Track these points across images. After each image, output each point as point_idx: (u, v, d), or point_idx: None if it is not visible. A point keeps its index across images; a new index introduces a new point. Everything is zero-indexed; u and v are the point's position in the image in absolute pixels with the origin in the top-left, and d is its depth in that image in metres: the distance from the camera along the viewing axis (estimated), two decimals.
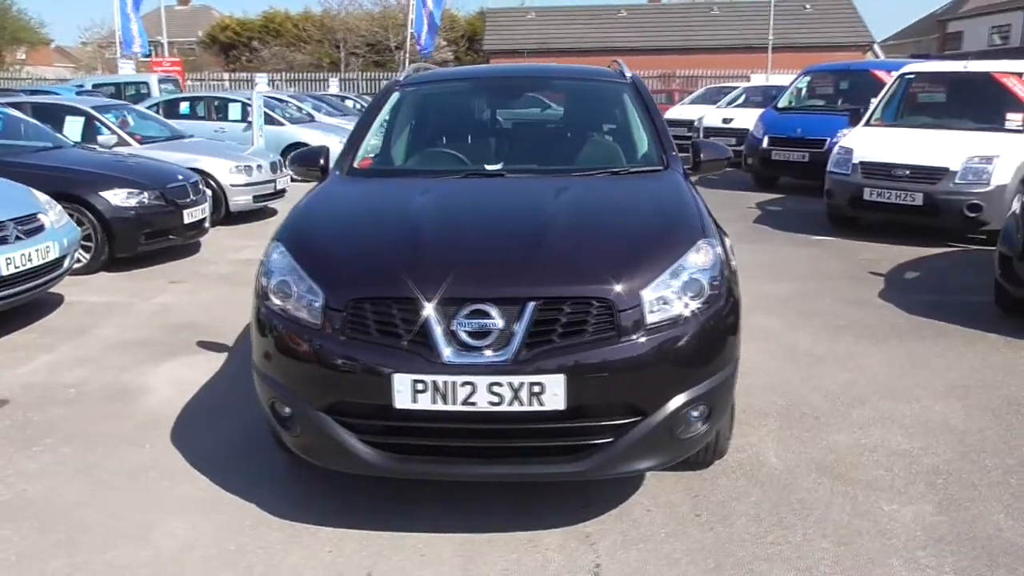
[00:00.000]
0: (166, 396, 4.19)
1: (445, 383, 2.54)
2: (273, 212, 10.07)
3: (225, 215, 9.12)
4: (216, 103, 13.94)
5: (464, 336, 2.56)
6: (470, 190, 3.47)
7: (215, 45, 42.20)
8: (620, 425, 2.63)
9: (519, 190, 3.49)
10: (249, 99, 13.42)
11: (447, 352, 2.55)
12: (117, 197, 6.80)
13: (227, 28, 42.17)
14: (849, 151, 8.59)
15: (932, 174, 7.96)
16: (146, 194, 6.99)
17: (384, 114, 4.08)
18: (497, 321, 2.55)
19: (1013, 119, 8.56)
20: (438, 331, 2.57)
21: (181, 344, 5.02)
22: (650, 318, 2.63)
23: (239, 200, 9.22)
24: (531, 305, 2.56)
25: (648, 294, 2.64)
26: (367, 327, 2.64)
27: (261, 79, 18.15)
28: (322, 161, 3.91)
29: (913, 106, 9.54)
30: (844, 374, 4.42)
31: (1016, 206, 5.47)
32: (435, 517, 2.95)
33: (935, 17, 55.03)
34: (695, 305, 2.70)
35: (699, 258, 2.79)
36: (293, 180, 8.94)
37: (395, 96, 4.20)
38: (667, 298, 2.67)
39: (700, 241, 2.85)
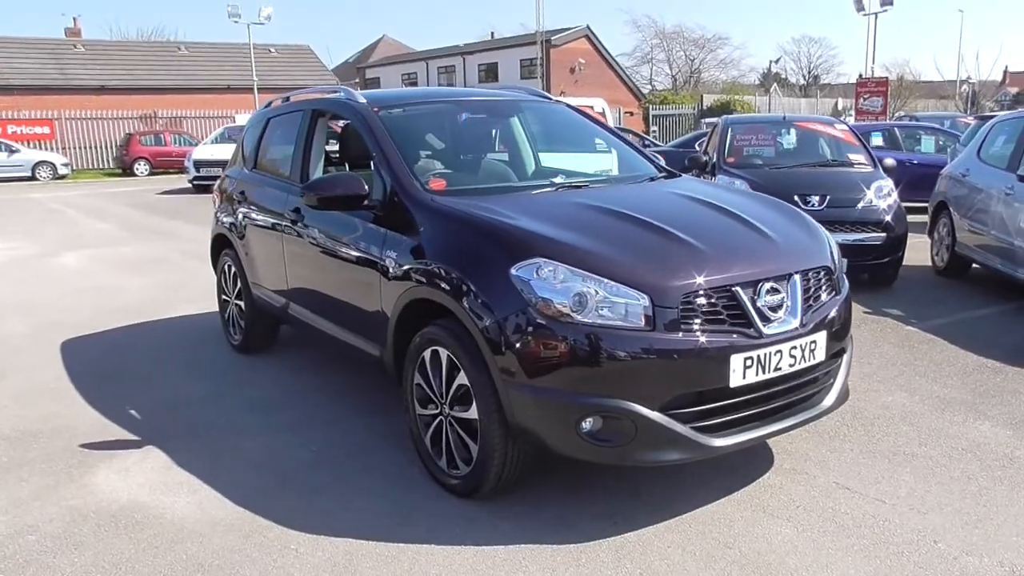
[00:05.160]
0: (189, 506, 3.27)
1: (765, 355, 2.90)
2: None
3: None
4: None
5: (767, 311, 2.95)
6: (614, 196, 3.62)
7: None
8: (836, 366, 3.30)
9: (652, 194, 3.80)
10: None
11: (764, 327, 2.91)
12: None
13: None
14: None
15: None
16: None
17: (390, 137, 3.83)
18: (785, 295, 3.01)
19: (600, 143, 10.99)
20: (752, 310, 2.91)
21: (55, 456, 3.77)
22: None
23: None
24: (797, 277, 3.08)
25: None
26: (697, 318, 2.82)
27: None
28: (367, 188, 3.58)
29: None
30: None
31: None
32: (638, 510, 3.17)
33: (351, 64, 61.91)
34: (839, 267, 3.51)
35: (829, 233, 3.61)
36: None
37: (384, 118, 3.96)
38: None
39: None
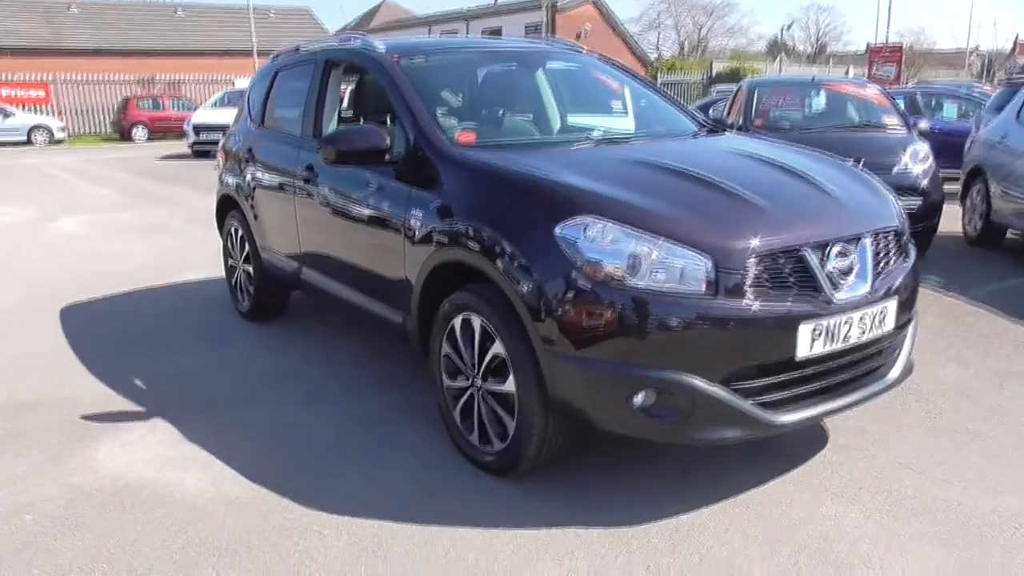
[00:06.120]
0: (201, 483, 3.02)
1: (834, 324, 2.64)
2: None
3: None
4: None
5: (836, 276, 2.68)
6: (661, 151, 3.35)
7: None
8: (902, 336, 3.03)
9: (703, 149, 3.51)
10: None
11: (834, 294, 2.64)
12: None
13: None
14: None
15: None
16: None
17: (413, 87, 3.53)
18: (854, 258, 2.73)
19: (616, 104, 10.66)
20: (821, 275, 2.63)
21: (54, 428, 3.52)
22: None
23: None
24: (867, 240, 2.80)
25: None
26: (762, 283, 2.55)
27: None
28: (389, 142, 3.30)
29: None
30: None
31: None
32: (705, 488, 2.94)
33: (352, 29, 61.02)
34: None
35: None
36: None
37: (406, 68, 3.66)
38: None
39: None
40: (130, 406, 3.76)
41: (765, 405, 2.60)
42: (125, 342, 4.73)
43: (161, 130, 25.47)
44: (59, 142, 24.66)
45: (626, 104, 4.36)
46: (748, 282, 2.53)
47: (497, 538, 2.58)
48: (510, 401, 2.82)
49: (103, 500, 2.90)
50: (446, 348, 3.10)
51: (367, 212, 3.52)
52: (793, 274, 2.61)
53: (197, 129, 19.02)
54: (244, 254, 5.02)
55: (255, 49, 29.31)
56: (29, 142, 24.09)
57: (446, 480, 2.97)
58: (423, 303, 3.20)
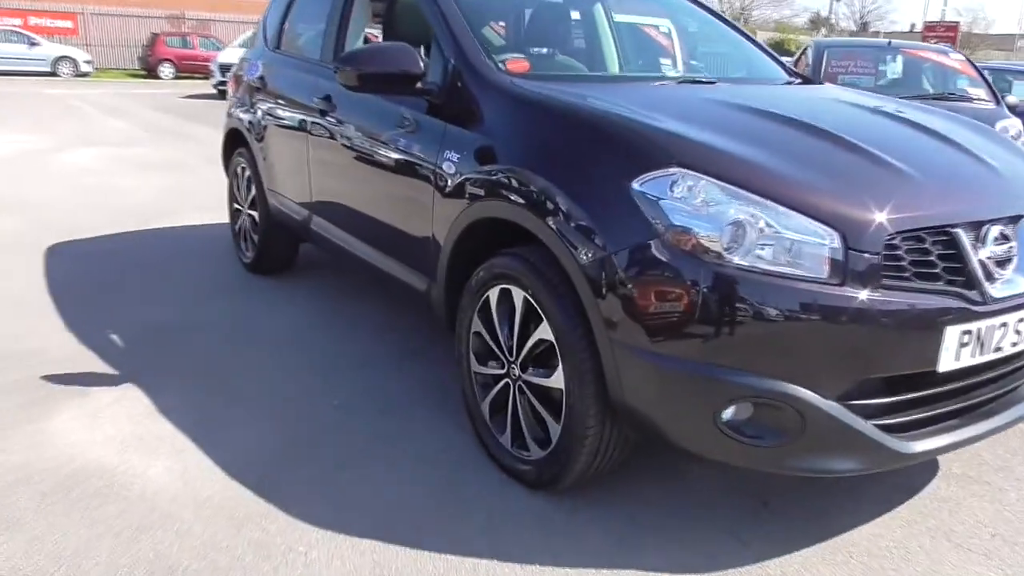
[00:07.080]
0: (168, 475, 2.47)
1: (987, 328, 2.01)
2: None
3: None
4: None
5: (991, 266, 2.04)
6: (762, 96, 2.72)
7: None
8: None
9: (811, 97, 2.87)
10: None
11: (990, 288, 2.01)
12: None
13: None
14: None
15: None
16: None
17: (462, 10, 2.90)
18: (1014, 244, 2.10)
19: (665, 63, 9.91)
20: (975, 263, 2.00)
21: (9, 388, 2.99)
22: None
23: None
24: None
25: None
26: (902, 270, 1.93)
27: None
28: (423, 66, 2.67)
29: None
30: None
31: None
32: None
33: None
34: None
35: None
36: None
37: None
38: None
39: None
40: (102, 366, 3.22)
41: (890, 428, 1.99)
42: (111, 289, 4.18)
43: (188, 69, 24.87)
44: (85, 75, 24.14)
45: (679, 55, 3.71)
46: (884, 267, 1.90)
47: None
48: (556, 399, 2.23)
49: (47, 488, 2.35)
50: (477, 325, 2.51)
51: (390, 153, 2.91)
52: (941, 260, 1.97)
53: (223, 69, 18.35)
54: (250, 198, 4.44)
55: None
56: (54, 73, 23.59)
57: (469, 488, 2.40)
58: (453, 268, 2.61)
